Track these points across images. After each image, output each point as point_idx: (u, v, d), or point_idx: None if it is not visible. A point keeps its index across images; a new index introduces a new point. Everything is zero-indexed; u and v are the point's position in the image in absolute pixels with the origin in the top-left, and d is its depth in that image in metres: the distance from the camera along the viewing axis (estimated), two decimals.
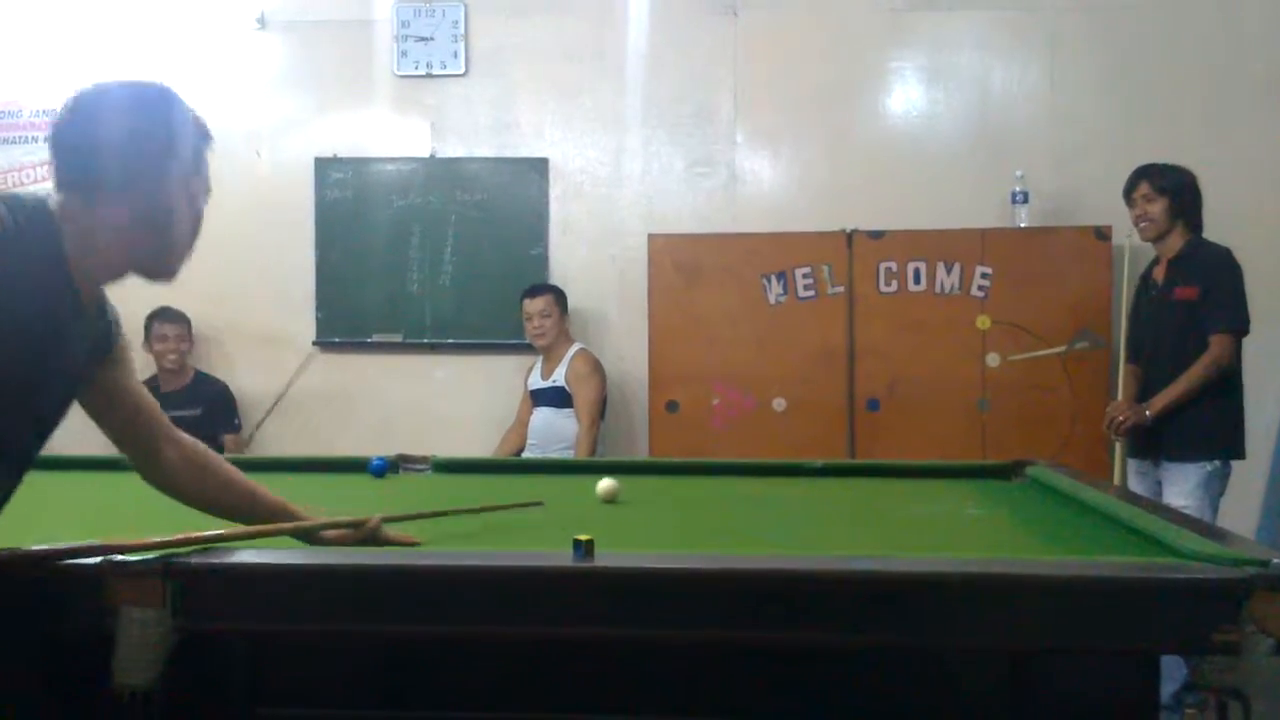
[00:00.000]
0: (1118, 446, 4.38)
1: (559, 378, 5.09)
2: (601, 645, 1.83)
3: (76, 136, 1.79)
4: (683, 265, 5.22)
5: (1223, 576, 1.72)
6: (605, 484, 2.76)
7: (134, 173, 1.78)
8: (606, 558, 1.77)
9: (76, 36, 5.79)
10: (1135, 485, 4.24)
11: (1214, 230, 4.35)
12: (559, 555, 1.77)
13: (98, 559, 1.75)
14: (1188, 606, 1.71)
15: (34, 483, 1.83)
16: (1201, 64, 5.26)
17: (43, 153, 5.71)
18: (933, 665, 1.89)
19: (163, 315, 5.33)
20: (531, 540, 2.11)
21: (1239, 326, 4.08)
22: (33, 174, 5.86)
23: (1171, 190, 4.21)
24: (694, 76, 5.56)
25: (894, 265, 5.15)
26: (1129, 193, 4.31)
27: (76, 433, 2.08)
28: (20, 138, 5.90)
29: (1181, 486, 4.00)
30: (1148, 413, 4.13)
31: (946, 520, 2.59)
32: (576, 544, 1.76)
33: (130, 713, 1.77)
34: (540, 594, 1.75)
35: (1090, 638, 1.73)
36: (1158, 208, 4.22)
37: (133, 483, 2.04)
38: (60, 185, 1.77)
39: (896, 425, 5.12)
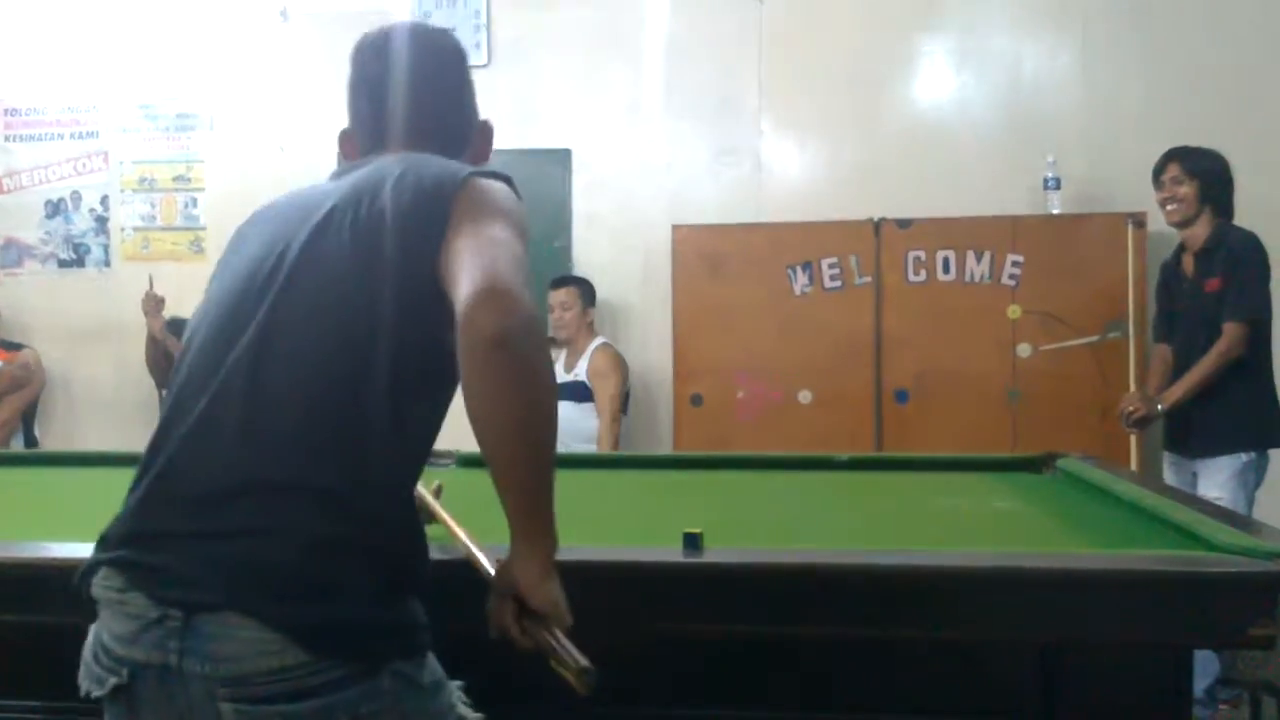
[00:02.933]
0: (1133, 438, 4.30)
1: (580, 372, 5.04)
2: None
3: (424, 89, 1.85)
4: (707, 256, 5.16)
5: (1258, 570, 1.67)
6: None
7: (472, 116, 1.91)
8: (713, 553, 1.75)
9: (99, 32, 5.79)
10: (1170, 478, 4.15)
11: (1249, 218, 4.24)
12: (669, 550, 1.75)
13: None
14: (1222, 601, 1.66)
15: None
16: (1239, 46, 5.14)
17: (68, 150, 5.80)
18: (963, 659, 1.84)
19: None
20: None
21: (1253, 314, 3.98)
22: (59, 170, 5.87)
23: (1202, 173, 4.11)
24: (718, 65, 5.49)
25: (922, 254, 5.06)
26: (1158, 174, 4.22)
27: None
28: (47, 134, 5.91)
29: (1215, 479, 3.92)
30: (1160, 406, 4.06)
31: (974, 514, 2.52)
32: (688, 537, 1.75)
33: None
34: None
35: (1122, 632, 1.70)
36: (1187, 191, 4.12)
37: None
38: (414, 141, 1.79)
39: (925, 417, 5.03)
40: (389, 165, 1.66)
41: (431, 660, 1.56)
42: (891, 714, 1.84)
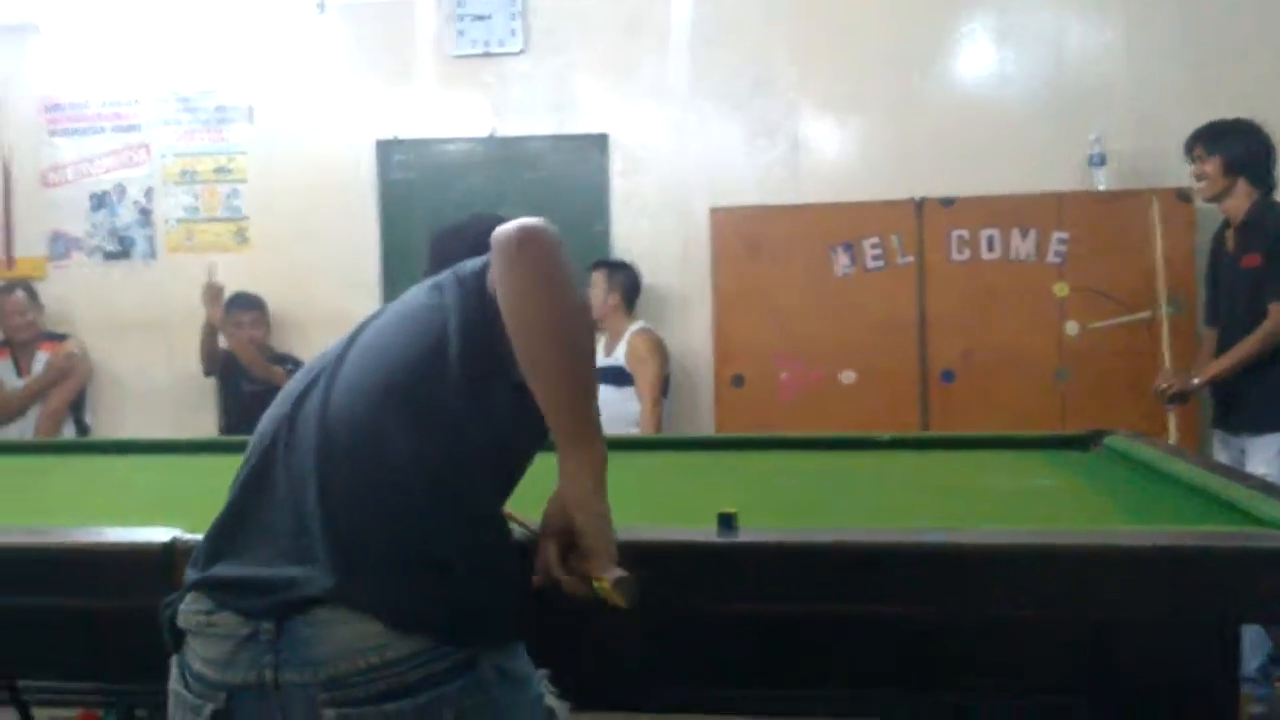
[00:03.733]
0: (1171, 416, 4.24)
1: (618, 356, 5.02)
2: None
3: None
4: (747, 238, 5.12)
5: None
6: None
7: None
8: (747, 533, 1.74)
9: (139, 27, 5.83)
10: (1220, 455, 4.10)
11: None
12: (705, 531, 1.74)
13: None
14: (1269, 575, 1.62)
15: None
16: None
17: (112, 143, 5.85)
18: (1009, 637, 1.81)
19: (238, 302, 5.37)
20: None
21: None
22: (103, 163, 5.92)
23: (1225, 148, 4.05)
24: (753, 46, 5.43)
25: (966, 233, 5.01)
26: (1188, 152, 4.18)
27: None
28: (89, 129, 5.96)
29: (1263, 455, 3.87)
30: (1195, 381, 4.02)
31: (1018, 492, 2.49)
32: (723, 518, 1.74)
33: None
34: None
35: (1169, 608, 1.67)
36: (1211, 167, 4.08)
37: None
38: None
39: (971, 397, 4.98)
40: None
41: (522, 650, 1.56)
42: (934, 690, 1.81)
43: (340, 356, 1.63)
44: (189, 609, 1.50)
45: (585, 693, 1.72)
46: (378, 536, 1.45)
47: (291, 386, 1.64)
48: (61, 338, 5.58)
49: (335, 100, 5.72)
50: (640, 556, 1.56)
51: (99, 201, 5.92)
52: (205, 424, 5.49)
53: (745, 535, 1.73)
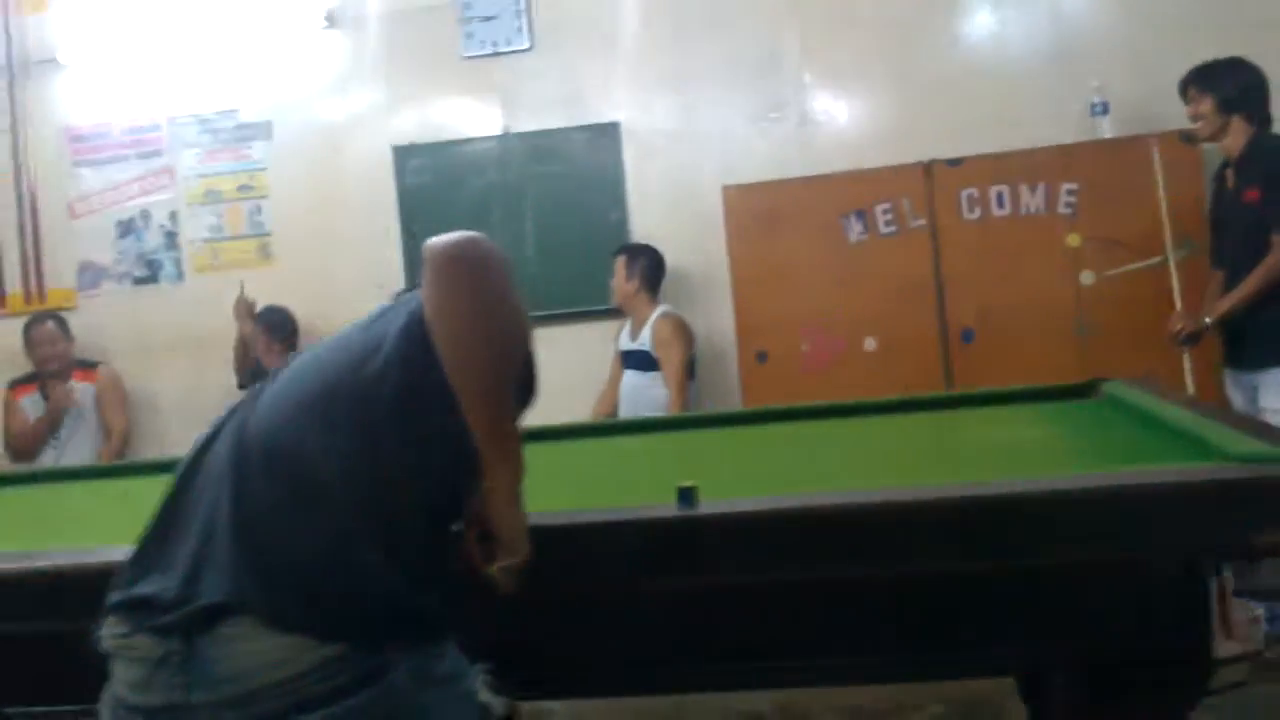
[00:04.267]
0: (1185, 357, 4.25)
1: (644, 341, 5.10)
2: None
3: None
4: (760, 213, 5.19)
5: (1261, 475, 1.67)
6: None
7: None
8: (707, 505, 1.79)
9: (156, 54, 5.96)
10: (1232, 393, 4.11)
11: None
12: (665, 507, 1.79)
13: None
14: (1223, 509, 1.66)
15: None
16: None
17: (135, 169, 6.00)
18: (920, 593, 1.84)
19: (265, 317, 5.51)
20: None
21: None
22: (127, 191, 6.07)
23: (1216, 87, 4.06)
24: (757, 23, 5.50)
25: (975, 192, 5.04)
26: (1182, 94, 4.19)
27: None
28: (113, 157, 6.11)
29: (1275, 390, 3.87)
30: (1207, 320, 4.03)
31: (1005, 444, 2.56)
32: (682, 492, 1.78)
33: None
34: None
35: (1118, 547, 1.72)
36: (1205, 106, 4.09)
37: None
38: None
39: (993, 355, 5.01)
40: None
41: (450, 650, 1.58)
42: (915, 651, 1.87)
43: (271, 380, 1.68)
44: (110, 632, 1.53)
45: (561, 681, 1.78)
46: (285, 545, 1.47)
47: (222, 414, 1.68)
48: (94, 365, 5.73)
49: (350, 110, 5.84)
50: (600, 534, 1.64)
51: (125, 228, 6.07)
52: None
53: (704, 508, 1.78)
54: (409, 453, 1.54)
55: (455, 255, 1.56)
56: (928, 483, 1.86)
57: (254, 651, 1.43)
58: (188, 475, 1.61)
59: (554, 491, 1.74)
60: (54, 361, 5.61)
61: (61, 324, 5.72)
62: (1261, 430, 2.05)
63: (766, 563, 1.77)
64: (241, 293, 5.52)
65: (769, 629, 1.86)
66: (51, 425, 5.51)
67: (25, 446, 5.52)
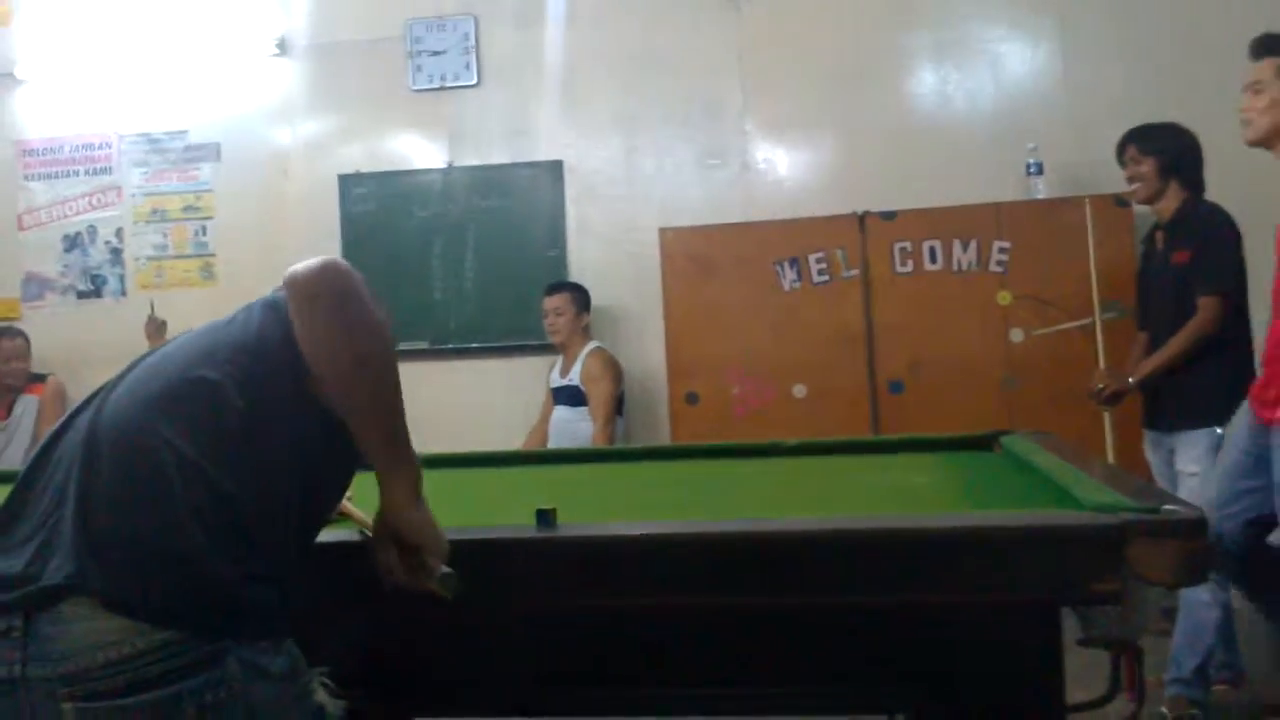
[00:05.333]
0: (1106, 417, 4.30)
1: (574, 376, 5.13)
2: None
3: None
4: (696, 257, 5.24)
5: (1099, 523, 1.71)
6: None
7: None
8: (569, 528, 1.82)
9: (109, 72, 5.99)
10: (1151, 455, 4.14)
11: (1226, 195, 4.22)
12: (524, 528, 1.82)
13: None
14: (1066, 555, 1.69)
15: None
16: (1216, 29, 5.11)
17: (84, 185, 6.01)
18: (821, 624, 1.86)
19: None
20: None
21: (1223, 288, 3.93)
22: (75, 205, 6.07)
23: (1159, 150, 4.10)
24: (701, 71, 5.59)
25: (909, 245, 5.11)
26: (1120, 155, 4.21)
27: None
28: (63, 172, 6.11)
29: (1190, 453, 3.89)
30: (1130, 379, 4.05)
31: (889, 488, 2.59)
32: (541, 514, 1.81)
33: None
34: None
35: (968, 588, 1.74)
36: (1147, 168, 4.11)
37: None
38: None
39: (921, 407, 5.06)
40: None
41: (288, 647, 1.59)
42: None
43: (128, 369, 1.70)
44: None
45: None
46: (128, 529, 1.49)
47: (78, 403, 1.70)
48: (43, 378, 5.71)
49: (298, 136, 5.88)
50: (465, 554, 1.67)
51: (72, 242, 6.08)
52: None
53: (563, 530, 1.82)
54: (255, 450, 1.57)
55: (319, 285, 1.59)
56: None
57: (90, 631, 1.44)
58: (39, 461, 1.62)
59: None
60: (13, 376, 5.59)
61: (26, 339, 5.69)
62: (1118, 482, 2.08)
63: (623, 587, 1.78)
64: (152, 312, 5.54)
65: (628, 655, 1.88)
66: None
67: None
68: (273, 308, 1.65)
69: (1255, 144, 3.46)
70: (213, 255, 5.96)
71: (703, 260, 5.23)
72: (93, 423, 1.59)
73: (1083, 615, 1.86)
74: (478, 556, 1.72)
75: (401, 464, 1.64)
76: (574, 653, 1.89)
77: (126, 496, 1.51)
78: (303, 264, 1.61)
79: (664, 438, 5.36)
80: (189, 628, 1.47)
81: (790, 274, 5.17)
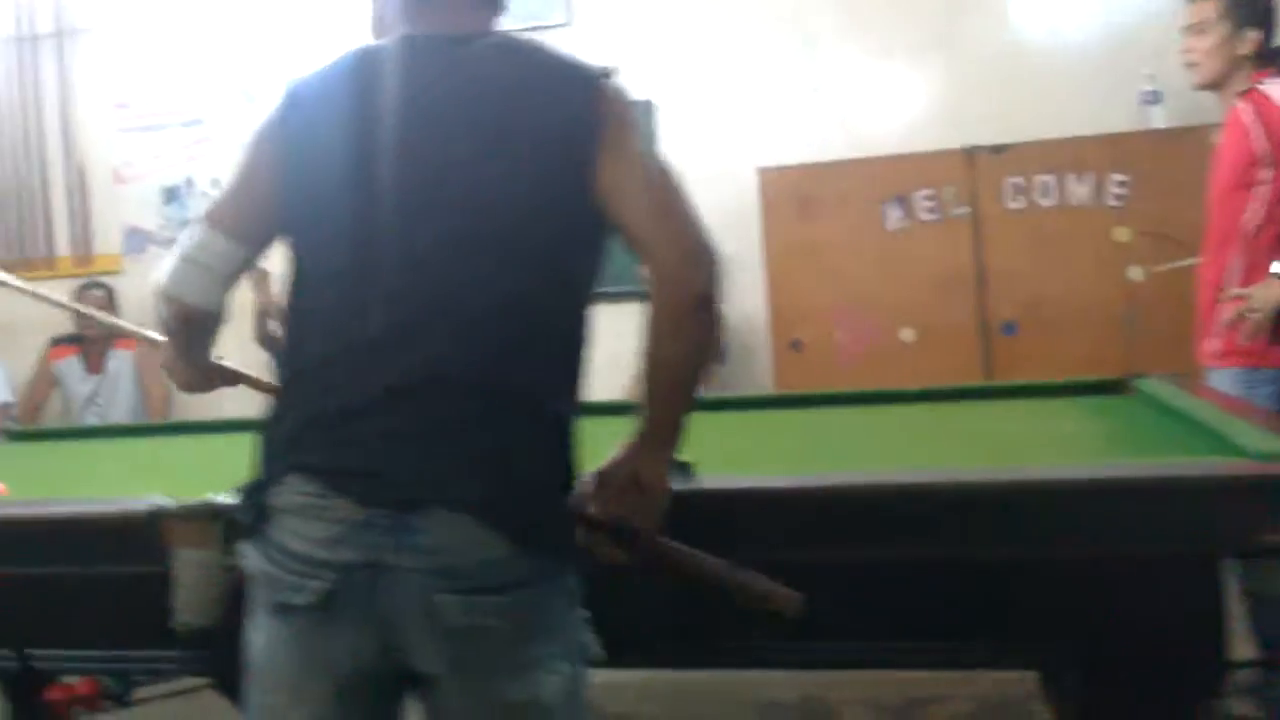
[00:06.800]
0: None
1: None
2: None
3: None
4: (796, 197, 5.07)
5: (1270, 472, 1.57)
6: None
7: None
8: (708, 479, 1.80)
9: (199, 24, 5.95)
10: None
11: None
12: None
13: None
14: (1232, 505, 1.57)
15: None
16: None
17: (179, 137, 5.99)
18: (986, 576, 1.78)
19: None
20: None
21: None
22: (171, 158, 6.09)
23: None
24: (797, 1, 5.38)
25: (1021, 180, 4.90)
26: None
27: None
28: (157, 125, 6.15)
29: None
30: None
31: (1030, 437, 2.45)
32: (679, 465, 1.76)
33: (191, 649, 1.92)
34: None
35: (1134, 540, 1.64)
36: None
37: None
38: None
39: (1035, 349, 4.87)
40: (491, 56, 1.64)
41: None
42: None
43: (405, 200, 1.57)
44: (293, 489, 1.50)
45: None
46: (523, 455, 1.51)
47: (335, 263, 1.59)
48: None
49: None
50: None
51: (170, 195, 6.08)
52: None
53: (704, 482, 1.78)
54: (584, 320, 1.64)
55: (707, 304, 1.59)
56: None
57: (462, 534, 1.46)
58: (354, 346, 1.54)
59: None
60: (97, 329, 5.61)
61: (110, 294, 5.72)
62: None
63: (781, 541, 1.76)
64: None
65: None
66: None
67: (29, 415, 5.56)
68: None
69: (1204, 87, 3.44)
70: None
71: (804, 200, 5.06)
72: (435, 290, 1.55)
73: (1248, 568, 1.74)
74: None
75: (675, 443, 1.64)
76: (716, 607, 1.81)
77: (463, 423, 1.52)
78: (692, 259, 1.59)
79: (767, 385, 5.22)
80: (543, 552, 1.51)
81: (896, 212, 4.98)
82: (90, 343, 5.61)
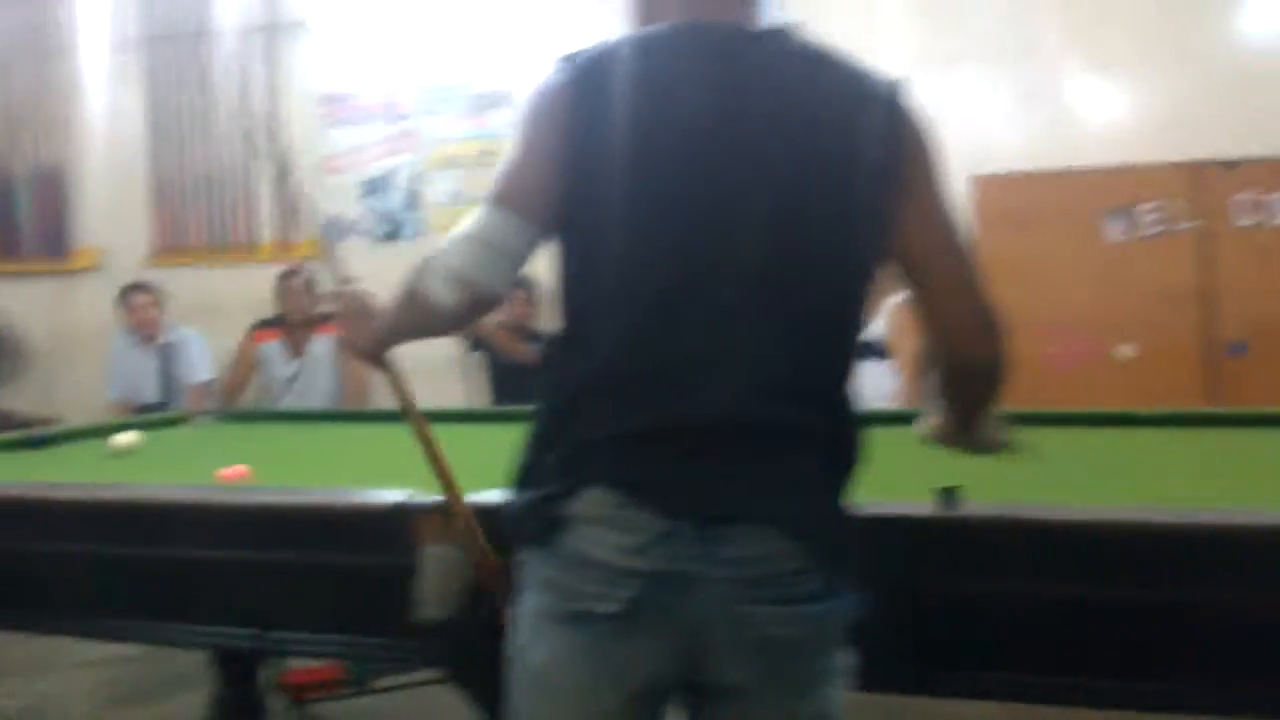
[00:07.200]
0: None
1: (879, 329, 4.88)
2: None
3: None
4: (1012, 206, 4.92)
5: None
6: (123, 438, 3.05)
7: None
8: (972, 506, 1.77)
9: (404, 21, 6.06)
10: None
11: None
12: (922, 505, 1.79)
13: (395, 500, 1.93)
14: None
15: None
16: None
17: (382, 131, 6.09)
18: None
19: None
20: None
21: None
22: (373, 151, 6.20)
23: None
24: (1016, 3, 5.21)
25: (1252, 197, 4.66)
26: None
27: None
28: (362, 118, 6.25)
29: None
30: None
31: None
32: (945, 492, 1.78)
33: (431, 643, 1.90)
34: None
35: None
36: None
37: None
38: None
39: (1267, 371, 4.64)
40: (793, 62, 1.63)
41: None
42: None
43: (740, 196, 1.51)
44: (592, 500, 1.48)
45: None
46: (823, 478, 1.53)
47: (649, 271, 1.51)
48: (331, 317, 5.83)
49: None
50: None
51: (371, 187, 6.20)
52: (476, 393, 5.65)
53: (969, 509, 1.75)
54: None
55: (994, 370, 1.66)
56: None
57: (770, 546, 1.45)
58: (669, 351, 1.50)
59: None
60: (299, 313, 5.74)
61: (312, 280, 5.84)
62: None
63: (1041, 572, 1.72)
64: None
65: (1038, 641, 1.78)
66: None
67: (230, 395, 5.72)
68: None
69: None
70: None
71: (1019, 209, 4.91)
72: (782, 294, 1.54)
73: None
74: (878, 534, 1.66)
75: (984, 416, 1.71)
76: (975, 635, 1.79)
77: (774, 446, 1.52)
78: (997, 335, 1.66)
79: None
80: (841, 568, 1.50)
81: (1117, 226, 4.79)
82: (293, 327, 5.73)
